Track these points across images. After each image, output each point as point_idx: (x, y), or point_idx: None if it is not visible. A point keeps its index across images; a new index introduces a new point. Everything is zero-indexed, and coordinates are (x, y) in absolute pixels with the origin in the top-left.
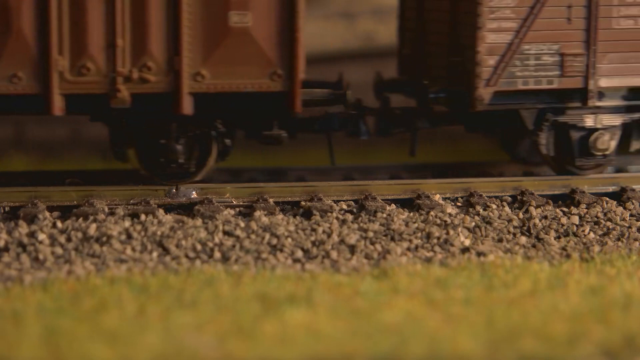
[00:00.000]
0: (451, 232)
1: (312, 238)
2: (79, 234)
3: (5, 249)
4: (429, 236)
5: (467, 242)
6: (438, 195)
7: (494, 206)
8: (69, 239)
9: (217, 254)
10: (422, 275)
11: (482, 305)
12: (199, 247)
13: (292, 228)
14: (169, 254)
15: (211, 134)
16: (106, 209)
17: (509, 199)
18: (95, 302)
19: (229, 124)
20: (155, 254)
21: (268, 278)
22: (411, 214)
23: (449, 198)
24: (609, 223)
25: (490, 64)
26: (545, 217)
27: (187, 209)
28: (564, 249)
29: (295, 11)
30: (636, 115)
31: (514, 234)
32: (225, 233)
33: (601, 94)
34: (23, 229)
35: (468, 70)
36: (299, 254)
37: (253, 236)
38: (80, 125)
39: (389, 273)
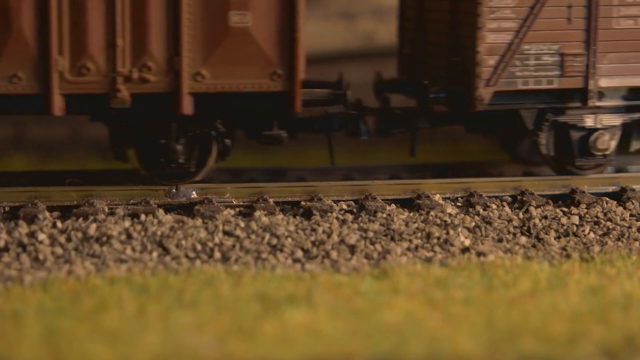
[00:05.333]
0: (451, 232)
1: (312, 238)
2: (79, 234)
3: (5, 249)
4: (429, 236)
5: (467, 242)
6: (438, 195)
7: (494, 206)
8: (69, 239)
9: (217, 254)
10: (422, 275)
11: (482, 305)
12: (199, 247)
13: (292, 228)
14: (169, 254)
15: (211, 134)
16: (106, 209)
17: (509, 199)
18: (95, 302)
19: (229, 124)
20: (155, 254)
21: (268, 278)
22: (411, 214)
23: (449, 198)
24: (609, 223)
25: (490, 64)
26: (545, 217)
27: (187, 209)
28: (564, 249)
29: (295, 11)
30: (636, 115)
31: (514, 234)
32: (225, 233)
33: (601, 94)
34: (23, 229)
35: (468, 70)
36: (299, 254)
37: (253, 236)
38: (80, 125)
39: (389, 273)
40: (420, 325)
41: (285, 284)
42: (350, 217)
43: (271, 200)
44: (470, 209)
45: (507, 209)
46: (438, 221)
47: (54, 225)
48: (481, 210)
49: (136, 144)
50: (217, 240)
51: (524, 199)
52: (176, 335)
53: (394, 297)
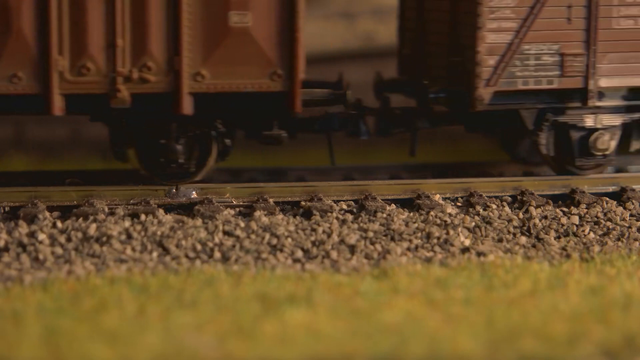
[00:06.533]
0: (451, 232)
1: (312, 238)
2: (79, 234)
3: (5, 249)
4: (429, 236)
5: (467, 242)
6: (438, 195)
7: (494, 206)
8: (69, 239)
9: (217, 254)
10: (422, 275)
11: (482, 305)
12: (199, 247)
13: (292, 228)
14: (169, 254)
15: (211, 134)
16: (106, 209)
17: (509, 199)
18: (95, 302)
19: (229, 124)
20: (155, 254)
21: (268, 278)
22: (411, 214)
23: (449, 198)
24: (609, 223)
25: (490, 64)
26: (545, 217)
27: (187, 209)
28: (564, 249)
29: (295, 11)
30: (636, 115)
31: (514, 234)
32: (225, 233)
33: (601, 94)
34: (23, 229)
35: (468, 70)
36: (299, 254)
37: (253, 236)
38: (80, 125)
39: (389, 273)
40: (420, 325)
41: (285, 284)
42: (350, 217)
43: (271, 200)
44: (470, 209)
45: (507, 209)
46: (438, 221)
47: (54, 225)
48: (481, 210)
49: (136, 144)
50: (217, 240)
51: (524, 199)
52: (176, 335)
53: (394, 297)
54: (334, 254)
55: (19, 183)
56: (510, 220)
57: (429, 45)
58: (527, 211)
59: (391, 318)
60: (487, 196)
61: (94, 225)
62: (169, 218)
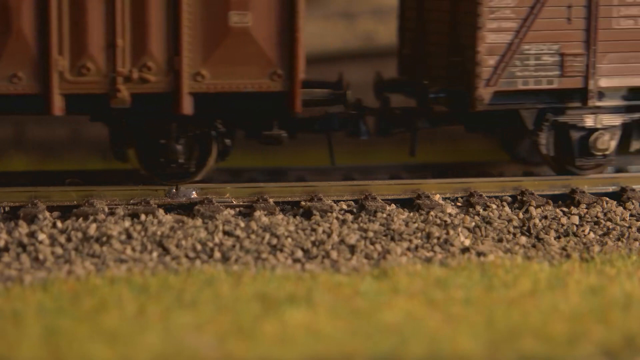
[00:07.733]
0: (451, 232)
1: (312, 238)
2: (79, 234)
3: (5, 249)
4: (429, 236)
5: (467, 242)
6: (438, 195)
7: (494, 206)
8: (69, 239)
9: (217, 254)
10: (422, 275)
11: (482, 305)
12: (199, 247)
13: (292, 228)
14: (169, 254)
15: (211, 134)
16: (106, 209)
17: (509, 199)
18: (95, 302)
19: (229, 124)
20: (155, 254)
21: (268, 278)
22: (411, 214)
23: (449, 198)
24: (609, 223)
25: (490, 64)
26: (545, 217)
27: (187, 209)
28: (564, 249)
29: (295, 11)
30: (636, 115)
31: (514, 234)
32: (225, 233)
33: (601, 94)
34: (23, 229)
35: (468, 70)
36: (299, 254)
37: (253, 236)
38: (80, 125)
39: (389, 273)
40: (420, 325)
41: (285, 284)
42: (350, 217)
43: (271, 200)
44: (470, 209)
45: (507, 209)
46: (438, 221)
47: (54, 225)
48: (481, 210)
49: (136, 144)
50: (217, 240)
51: (524, 199)
52: (176, 335)
53: (394, 297)
54: (334, 254)
55: (19, 183)
56: (510, 220)
57: (429, 45)
58: (527, 211)
59: (391, 318)
60: (487, 196)
61: (94, 225)
62: (169, 218)
